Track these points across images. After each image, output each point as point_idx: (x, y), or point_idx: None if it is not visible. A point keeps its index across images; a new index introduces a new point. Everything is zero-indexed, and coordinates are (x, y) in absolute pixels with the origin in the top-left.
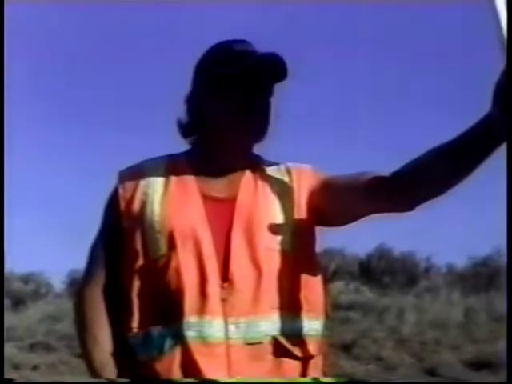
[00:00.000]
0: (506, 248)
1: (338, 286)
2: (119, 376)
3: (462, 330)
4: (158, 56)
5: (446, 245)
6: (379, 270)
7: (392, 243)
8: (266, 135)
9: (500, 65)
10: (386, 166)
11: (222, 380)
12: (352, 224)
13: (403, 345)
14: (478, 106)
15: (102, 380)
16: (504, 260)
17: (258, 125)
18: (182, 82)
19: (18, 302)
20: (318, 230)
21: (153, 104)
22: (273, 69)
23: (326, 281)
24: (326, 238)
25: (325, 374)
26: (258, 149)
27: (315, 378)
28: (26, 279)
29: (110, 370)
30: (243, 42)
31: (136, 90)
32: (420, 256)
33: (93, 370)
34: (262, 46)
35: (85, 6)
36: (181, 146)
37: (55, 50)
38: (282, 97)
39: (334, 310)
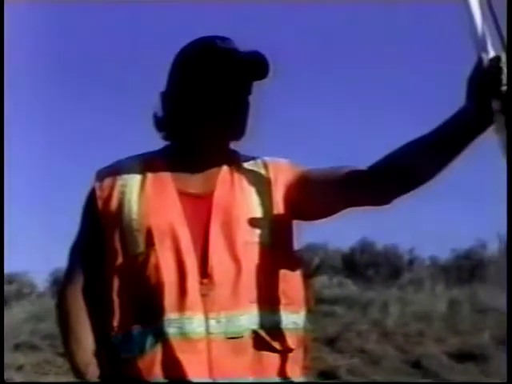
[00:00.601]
0: (506, 248)
1: (321, 280)
2: (102, 375)
3: (445, 322)
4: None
5: (429, 237)
6: (362, 264)
7: (375, 236)
8: (244, 134)
9: (473, 58)
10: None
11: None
12: (333, 218)
13: (387, 337)
14: (453, 106)
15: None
16: (487, 252)
17: (236, 124)
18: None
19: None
20: (297, 224)
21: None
22: (255, 67)
23: (309, 275)
24: (309, 233)
25: (305, 368)
26: (234, 144)
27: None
28: (9, 279)
29: (92, 370)
30: (225, 39)
31: (136, 90)
32: (403, 249)
33: (76, 370)
34: (252, 44)
35: (85, 6)
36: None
37: (55, 50)
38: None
39: (318, 304)
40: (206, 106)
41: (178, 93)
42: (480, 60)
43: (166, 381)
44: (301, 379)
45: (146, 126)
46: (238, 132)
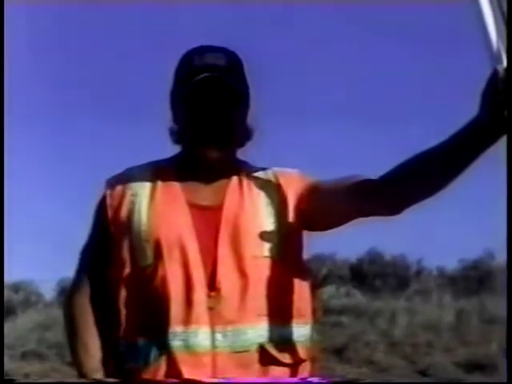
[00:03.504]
0: (506, 250)
1: (329, 290)
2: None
3: (453, 332)
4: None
5: (437, 248)
6: (370, 274)
7: (383, 247)
8: (247, 139)
9: (488, 67)
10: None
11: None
12: (341, 228)
13: (395, 348)
14: (466, 111)
15: (103, 380)
16: (495, 262)
17: (220, 139)
18: None
19: (9, 311)
20: (306, 235)
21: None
22: (210, 93)
23: (316, 286)
24: (316, 243)
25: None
26: (244, 154)
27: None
28: (15, 288)
29: (99, 378)
30: (210, 51)
31: (136, 89)
32: (411, 259)
33: (83, 377)
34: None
35: (84, 6)
36: None
37: (55, 50)
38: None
39: (326, 315)
40: (191, 122)
41: (173, 108)
42: (495, 71)
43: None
44: None
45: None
46: (225, 147)
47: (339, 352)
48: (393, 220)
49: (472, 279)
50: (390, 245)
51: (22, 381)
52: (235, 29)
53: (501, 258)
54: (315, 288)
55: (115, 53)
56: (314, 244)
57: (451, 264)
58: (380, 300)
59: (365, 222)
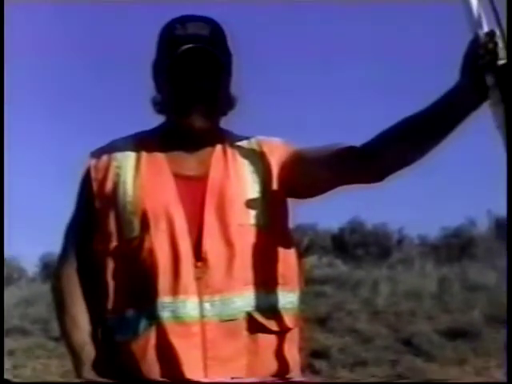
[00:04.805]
0: (506, 250)
1: (311, 260)
2: (98, 357)
3: (436, 300)
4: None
5: (418, 216)
6: (352, 244)
7: (364, 216)
8: (230, 107)
9: (468, 35)
10: None
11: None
12: (323, 198)
13: (378, 316)
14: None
15: (104, 380)
16: (476, 230)
17: (204, 108)
18: None
19: None
20: (292, 203)
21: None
22: (193, 64)
23: (299, 255)
24: (298, 214)
25: (301, 348)
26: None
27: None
28: None
29: (88, 351)
30: (192, 20)
31: (136, 90)
32: (392, 228)
33: (72, 350)
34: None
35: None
36: None
37: (54, 50)
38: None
39: (308, 285)
40: (172, 93)
41: (156, 78)
42: (475, 36)
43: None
44: (297, 359)
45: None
46: (222, 108)
47: (322, 321)
48: (374, 189)
49: (454, 247)
50: (371, 214)
51: (6, 358)
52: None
53: (482, 225)
54: (299, 257)
55: (116, 52)
56: (296, 214)
57: (433, 232)
58: (362, 269)
59: (346, 192)
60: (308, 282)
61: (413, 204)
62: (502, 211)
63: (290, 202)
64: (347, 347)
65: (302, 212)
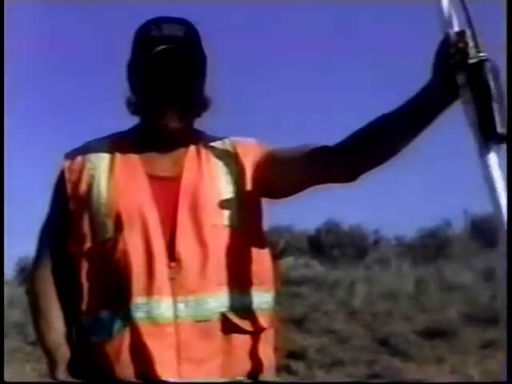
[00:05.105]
0: (506, 251)
1: (287, 261)
2: (73, 358)
3: (412, 300)
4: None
5: (395, 217)
6: (328, 244)
7: (340, 217)
8: (204, 108)
9: (439, 35)
10: None
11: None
12: (298, 200)
13: (355, 317)
14: None
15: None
16: (452, 230)
17: (178, 109)
18: None
19: None
20: (266, 203)
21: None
22: (168, 65)
23: (275, 257)
24: (274, 216)
25: (276, 348)
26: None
27: None
28: None
29: (63, 352)
30: (167, 22)
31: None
32: (369, 228)
33: (47, 352)
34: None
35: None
36: None
37: (54, 50)
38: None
39: (285, 286)
40: (153, 89)
41: (130, 80)
42: (446, 35)
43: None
44: (272, 359)
45: None
46: (196, 109)
47: (299, 322)
48: (350, 190)
49: (430, 247)
50: (347, 215)
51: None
52: None
53: (458, 225)
54: (274, 259)
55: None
56: (272, 216)
57: (409, 233)
58: (339, 270)
59: (322, 193)
60: (284, 283)
61: (389, 205)
62: (478, 211)
63: (265, 202)
64: (324, 348)
65: (277, 214)
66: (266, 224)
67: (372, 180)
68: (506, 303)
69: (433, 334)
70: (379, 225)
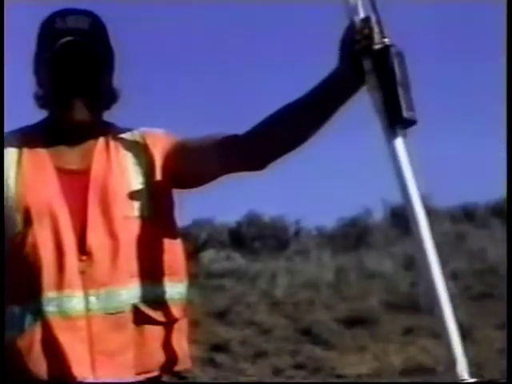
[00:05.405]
0: (506, 253)
1: (209, 254)
2: None
3: (333, 289)
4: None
5: (315, 207)
6: (249, 237)
7: (261, 209)
8: (113, 101)
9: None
10: None
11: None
12: (219, 191)
13: (277, 307)
14: None
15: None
16: (372, 219)
17: (84, 102)
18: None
19: None
20: (177, 194)
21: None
22: (72, 57)
23: (196, 250)
24: (194, 209)
25: (193, 340)
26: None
27: None
28: None
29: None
30: (72, 13)
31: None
32: (289, 220)
33: None
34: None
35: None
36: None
37: None
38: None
39: (207, 279)
40: (58, 81)
41: (36, 72)
42: (352, 21)
43: None
44: (186, 350)
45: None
46: (104, 101)
47: (222, 315)
48: (270, 181)
49: (350, 236)
50: (268, 207)
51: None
52: None
53: (378, 214)
54: (195, 252)
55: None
56: (192, 209)
57: (330, 223)
58: (260, 262)
59: (242, 185)
60: (206, 276)
61: (309, 195)
62: (397, 200)
63: (178, 193)
64: (247, 339)
65: (198, 206)
66: (182, 215)
67: (291, 171)
68: (506, 303)
69: (354, 322)
70: (300, 215)
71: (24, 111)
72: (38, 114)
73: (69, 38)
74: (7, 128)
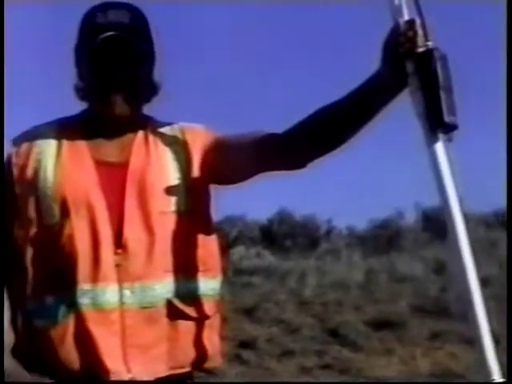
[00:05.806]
0: (507, 254)
1: (239, 251)
2: (17, 343)
3: (362, 290)
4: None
5: (347, 207)
6: (280, 234)
7: (293, 207)
8: (153, 94)
9: (388, 24)
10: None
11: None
12: (251, 189)
13: (305, 307)
14: None
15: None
16: (403, 222)
17: (124, 95)
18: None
19: None
20: (214, 190)
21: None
22: (112, 51)
23: (227, 246)
24: (227, 205)
25: (223, 336)
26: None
27: None
28: None
29: (7, 338)
30: (113, 7)
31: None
32: (321, 219)
33: None
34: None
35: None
36: None
37: (54, 50)
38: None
39: (236, 275)
40: (99, 75)
41: (78, 65)
42: (396, 24)
43: None
44: (218, 346)
45: None
46: (144, 95)
47: (250, 312)
48: (304, 179)
49: (381, 238)
50: (300, 205)
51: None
52: None
53: (410, 217)
54: (226, 248)
55: None
56: (224, 206)
57: (361, 224)
58: (290, 260)
59: (274, 183)
60: (236, 272)
61: (341, 195)
62: (430, 203)
63: (215, 190)
64: (274, 337)
65: (230, 203)
66: (215, 211)
67: (325, 170)
68: (506, 303)
69: (382, 324)
70: (331, 215)
71: (24, 111)
72: (38, 114)
73: (109, 33)
74: (7, 128)
